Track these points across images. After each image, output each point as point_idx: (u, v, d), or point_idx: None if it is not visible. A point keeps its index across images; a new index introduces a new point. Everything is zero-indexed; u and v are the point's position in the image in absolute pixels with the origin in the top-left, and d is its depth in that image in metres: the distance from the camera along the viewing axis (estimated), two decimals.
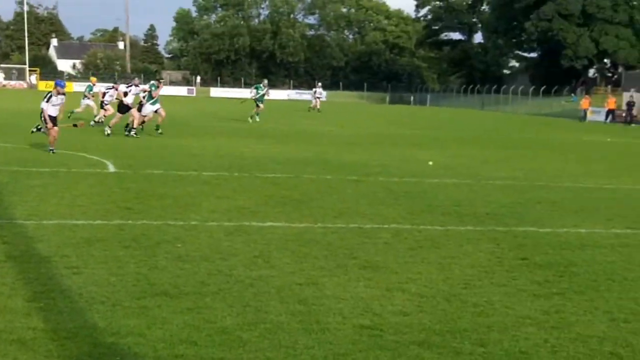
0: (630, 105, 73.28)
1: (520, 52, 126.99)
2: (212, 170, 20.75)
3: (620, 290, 10.00)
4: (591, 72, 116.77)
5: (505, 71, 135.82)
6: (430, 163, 22.48)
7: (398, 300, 9.08)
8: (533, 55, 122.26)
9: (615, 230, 14.36)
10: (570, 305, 9.19)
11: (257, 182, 18.71)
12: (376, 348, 7.41)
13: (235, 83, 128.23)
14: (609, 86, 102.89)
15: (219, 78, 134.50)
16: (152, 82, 33.07)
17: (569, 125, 62.81)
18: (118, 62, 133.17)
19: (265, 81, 49.73)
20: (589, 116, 78.35)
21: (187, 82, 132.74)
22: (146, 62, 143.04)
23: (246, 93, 68.83)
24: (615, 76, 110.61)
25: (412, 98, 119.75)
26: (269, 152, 26.22)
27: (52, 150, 23.54)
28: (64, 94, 24.24)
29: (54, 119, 23.83)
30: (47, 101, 23.80)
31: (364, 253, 11.48)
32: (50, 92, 24.14)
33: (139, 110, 31.70)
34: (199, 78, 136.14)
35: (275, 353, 7.18)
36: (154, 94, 31.93)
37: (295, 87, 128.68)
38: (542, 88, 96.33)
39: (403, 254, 11.56)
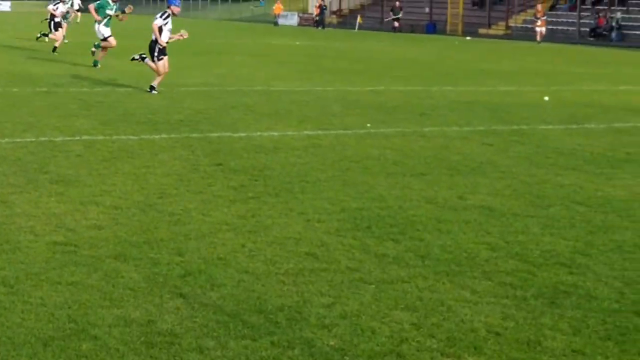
0: (323, 8, 75.19)
1: None
2: None
3: (314, 191, 10.16)
4: None
5: None
6: (546, 98, 20.85)
7: (92, 214, 8.78)
8: None
9: (307, 132, 14.62)
10: (266, 209, 9.23)
11: None
12: (71, 264, 7.12)
13: None
14: None
15: None
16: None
17: (261, 30, 63.48)
18: None
19: None
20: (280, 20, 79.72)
21: None
22: None
23: None
24: None
25: None
26: None
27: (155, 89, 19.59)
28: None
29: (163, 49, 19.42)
30: (165, 21, 19.22)
31: (55, 167, 11.03)
32: (166, 10, 19.45)
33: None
34: None
35: None
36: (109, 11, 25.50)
37: None
38: None
39: (96, 166, 11.20)
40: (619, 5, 58.92)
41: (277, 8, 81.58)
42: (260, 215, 8.95)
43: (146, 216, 8.76)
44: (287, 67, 29.07)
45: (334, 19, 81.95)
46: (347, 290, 6.72)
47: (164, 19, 19.27)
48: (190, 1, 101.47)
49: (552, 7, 62.52)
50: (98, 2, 25.40)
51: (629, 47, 50.73)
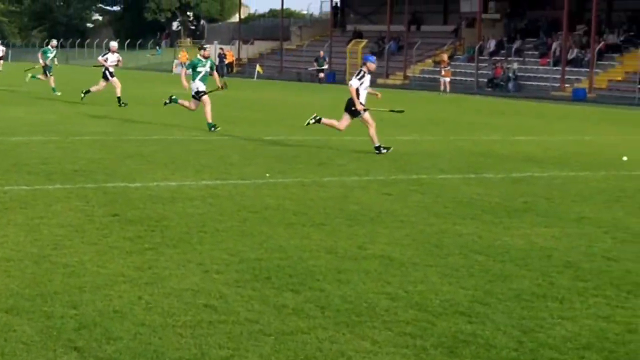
0: (222, 57, 75.58)
1: (103, 6, 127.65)
2: None
3: (212, 241, 10.15)
4: (175, 25, 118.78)
5: (89, 25, 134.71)
6: (625, 158, 20.17)
7: None
8: (116, 8, 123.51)
9: (206, 182, 14.60)
10: (163, 260, 9.19)
11: None
12: None
13: None
14: (189, 38, 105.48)
15: None
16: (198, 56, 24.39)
17: (158, 78, 63.24)
18: None
19: (54, 42, 39.73)
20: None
21: None
22: None
23: None
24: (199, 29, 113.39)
25: None
26: None
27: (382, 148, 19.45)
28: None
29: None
30: (360, 81, 18.90)
31: None
32: (361, 69, 19.19)
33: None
34: None
35: None
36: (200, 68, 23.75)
37: None
38: (127, 42, 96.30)
39: None
40: (515, 56, 60.42)
41: (183, 56, 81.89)
42: (158, 267, 8.90)
43: (39, 268, 8.64)
44: (184, 115, 28.99)
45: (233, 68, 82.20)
46: (246, 342, 6.72)
47: (360, 79, 19.09)
48: (85, 49, 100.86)
49: (451, 58, 63.75)
50: (189, 62, 24.70)
51: (525, 97, 51.99)
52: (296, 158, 18.34)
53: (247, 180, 14.95)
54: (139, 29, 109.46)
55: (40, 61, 38.36)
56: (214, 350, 6.50)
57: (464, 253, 10.06)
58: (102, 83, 32.37)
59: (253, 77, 71.18)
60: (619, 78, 55.41)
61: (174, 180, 14.66)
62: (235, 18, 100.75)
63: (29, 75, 38.87)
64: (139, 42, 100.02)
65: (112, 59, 32.44)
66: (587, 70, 55.52)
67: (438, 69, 57.78)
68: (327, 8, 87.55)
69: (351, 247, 10.13)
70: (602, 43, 57.33)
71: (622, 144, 24.83)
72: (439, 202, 13.57)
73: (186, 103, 24.19)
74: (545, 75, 56.97)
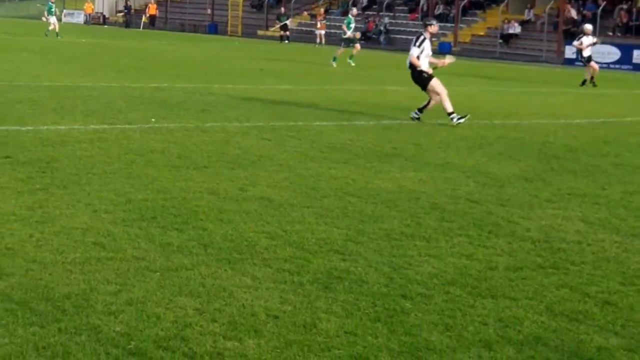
0: (129, 8, 74.83)
1: None
2: None
3: (100, 183, 9.98)
4: None
5: None
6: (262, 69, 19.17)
7: None
8: None
9: (94, 126, 14.33)
10: (53, 200, 9.00)
11: None
12: None
13: None
14: None
15: None
16: None
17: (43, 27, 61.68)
18: None
19: (354, 10, 37.06)
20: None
21: None
22: None
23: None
24: None
25: None
26: None
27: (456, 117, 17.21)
28: None
29: None
30: (420, 47, 17.08)
31: None
32: (421, 33, 17.48)
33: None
34: None
35: None
36: None
37: None
38: None
39: None
40: (386, 11, 60.75)
41: (89, 7, 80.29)
42: (48, 207, 8.72)
43: None
44: (72, 63, 28.38)
45: (119, 18, 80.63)
46: (133, 278, 6.65)
47: (419, 46, 17.31)
48: None
49: (326, 12, 63.74)
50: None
51: (396, 50, 52.39)
52: (180, 104, 18.15)
53: (134, 125, 14.73)
54: None
55: (348, 33, 36.60)
56: (102, 285, 6.42)
57: (338, 195, 10.13)
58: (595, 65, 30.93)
59: (139, 27, 69.99)
60: (482, 33, 56.38)
61: (64, 124, 14.35)
62: None
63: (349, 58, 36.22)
64: None
65: (587, 42, 30.79)
66: (453, 25, 56.28)
67: (314, 22, 57.73)
68: None
69: (232, 189, 10.10)
70: (466, 0, 58.07)
71: (484, 94, 25.29)
72: (315, 147, 13.61)
73: None
74: (414, 30, 57.34)
